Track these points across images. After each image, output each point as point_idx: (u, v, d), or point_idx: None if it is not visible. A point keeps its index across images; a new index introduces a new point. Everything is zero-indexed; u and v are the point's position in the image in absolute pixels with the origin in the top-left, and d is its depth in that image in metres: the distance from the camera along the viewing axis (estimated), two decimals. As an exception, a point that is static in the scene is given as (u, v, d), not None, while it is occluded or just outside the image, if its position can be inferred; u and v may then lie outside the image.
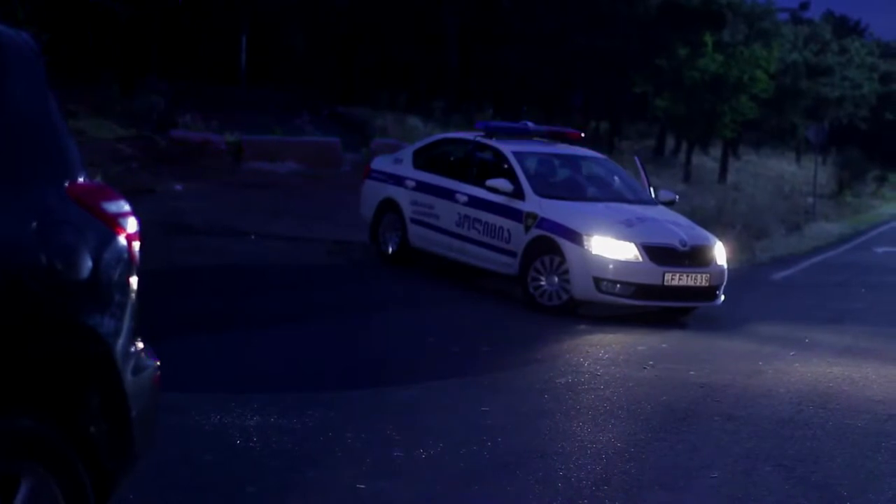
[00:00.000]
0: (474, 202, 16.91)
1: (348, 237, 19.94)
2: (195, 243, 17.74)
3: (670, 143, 60.03)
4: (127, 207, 5.15)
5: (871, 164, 70.96)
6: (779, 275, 24.00)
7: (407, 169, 18.36)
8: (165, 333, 10.50)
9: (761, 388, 11.74)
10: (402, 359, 11.85)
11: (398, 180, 18.31)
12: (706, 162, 57.42)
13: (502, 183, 16.47)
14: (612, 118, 57.78)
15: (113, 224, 4.99)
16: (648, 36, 48.95)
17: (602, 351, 13.33)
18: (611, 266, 15.33)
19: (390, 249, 18.27)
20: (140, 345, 5.18)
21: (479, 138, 17.82)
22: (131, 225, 5.12)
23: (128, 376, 4.93)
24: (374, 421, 8.97)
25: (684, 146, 55.02)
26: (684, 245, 15.66)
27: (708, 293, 15.90)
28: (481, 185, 16.84)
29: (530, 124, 18.65)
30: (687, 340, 14.67)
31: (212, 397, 9.27)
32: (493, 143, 17.55)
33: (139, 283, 5.16)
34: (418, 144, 19.31)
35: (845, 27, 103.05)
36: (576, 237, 15.52)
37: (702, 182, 47.45)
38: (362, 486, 7.26)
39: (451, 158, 18.13)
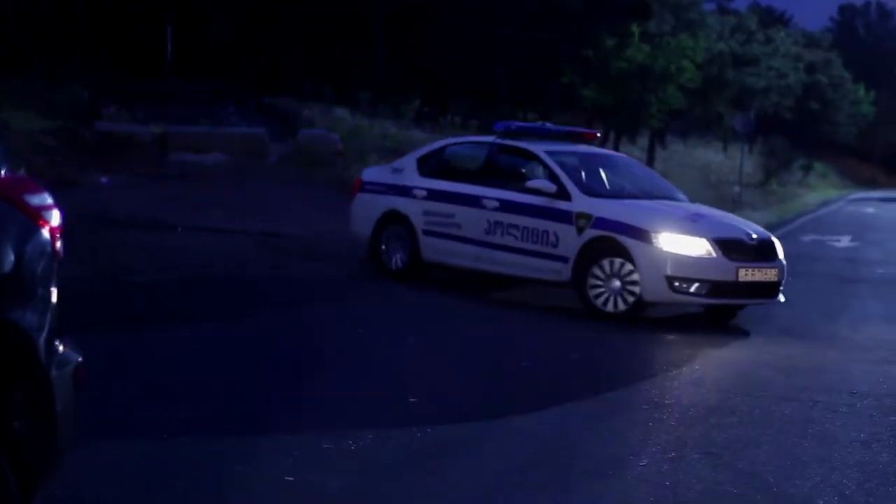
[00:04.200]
0: (507, 207, 16.02)
1: (276, 229, 19.86)
2: (120, 236, 17.60)
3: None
4: (50, 200, 5.09)
5: (797, 154, 71.72)
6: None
7: (412, 178, 17.29)
8: (91, 329, 10.42)
9: (689, 375, 11.81)
10: (331, 350, 11.83)
11: (403, 190, 17.24)
12: (633, 151, 57.62)
13: (545, 184, 15.71)
14: (540, 108, 57.89)
15: (36, 217, 4.94)
16: (575, 27, 49.10)
17: (529, 339, 13.37)
18: (684, 263, 14.68)
19: (397, 265, 17.18)
20: (64, 339, 5.12)
21: (501, 140, 16.95)
22: (54, 218, 5.06)
23: (52, 371, 4.87)
24: (301, 415, 8.94)
25: (612, 136, 55.29)
26: (751, 239, 15.19)
27: (772, 289, 15.35)
28: (514, 188, 16.10)
29: (549, 125, 17.90)
30: (612, 329, 14.71)
31: (137, 393, 9.22)
32: (521, 144, 16.76)
33: (63, 277, 5.11)
34: (421, 151, 18.16)
35: (771, 17, 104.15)
36: (643, 235, 14.79)
37: (629, 172, 47.62)
38: (291, 479, 7.23)
39: (469, 163, 17.19)
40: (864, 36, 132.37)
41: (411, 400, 9.70)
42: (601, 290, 15.00)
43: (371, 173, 18.46)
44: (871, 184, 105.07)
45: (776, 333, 15.08)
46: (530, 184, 15.84)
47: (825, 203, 57.72)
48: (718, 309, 15.56)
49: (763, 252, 15.24)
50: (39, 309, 4.84)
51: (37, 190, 5.06)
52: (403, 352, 12.03)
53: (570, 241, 15.31)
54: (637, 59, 47.76)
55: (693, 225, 15.13)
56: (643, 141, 59.05)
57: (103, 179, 23.58)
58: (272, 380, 10.21)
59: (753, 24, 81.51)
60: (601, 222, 15.10)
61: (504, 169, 16.70)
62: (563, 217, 15.43)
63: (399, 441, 8.29)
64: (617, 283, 14.89)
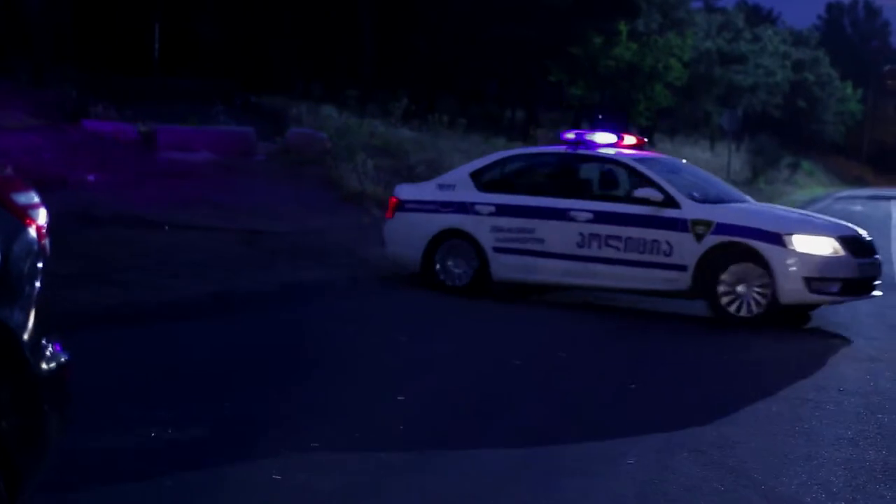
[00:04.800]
0: (603, 218, 15.70)
1: (265, 227, 19.81)
2: (108, 235, 17.56)
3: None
4: (37, 198, 5.08)
5: (785, 152, 71.72)
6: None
7: (469, 194, 16.68)
8: (78, 328, 10.42)
9: (676, 373, 11.82)
10: (322, 349, 11.82)
11: (462, 207, 16.60)
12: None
13: (652, 192, 15.48)
14: (528, 106, 57.89)
15: (23, 215, 4.93)
16: (563, 25, 49.10)
17: (515, 335, 13.37)
18: (821, 264, 14.85)
19: (461, 283, 16.52)
20: (51, 337, 5.11)
21: (578, 150, 16.51)
22: (41, 216, 5.06)
23: (38, 369, 4.86)
24: (290, 414, 8.94)
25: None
26: (860, 235, 15.49)
27: (871, 284, 15.54)
28: (606, 198, 15.99)
29: (609, 131, 17.42)
30: (604, 325, 14.72)
31: (125, 391, 9.22)
32: (605, 153, 16.57)
33: (50, 275, 5.09)
34: (473, 166, 17.44)
35: (758, 15, 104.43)
36: (776, 238, 14.88)
37: (617, 170, 47.64)
38: (279, 478, 7.23)
39: (540, 175, 16.93)
40: (851, 34, 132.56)
41: (399, 398, 9.70)
42: (731, 295, 15.01)
43: (410, 191, 17.62)
44: (859, 182, 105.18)
45: (764, 331, 15.08)
46: (638, 193, 15.64)
47: (813, 201, 57.64)
48: (797, 309, 15.60)
49: (870, 248, 15.56)
50: (26, 307, 4.82)
51: (24, 188, 5.05)
52: (397, 351, 12.01)
53: (686, 248, 15.22)
54: (625, 58, 47.86)
55: (814, 225, 15.45)
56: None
57: (90, 178, 23.51)
58: (261, 379, 10.21)
59: (741, 22, 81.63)
60: (725, 228, 15.10)
61: (587, 179, 16.52)
62: (676, 225, 15.31)
63: (388, 440, 8.29)
64: (745, 288, 14.97)
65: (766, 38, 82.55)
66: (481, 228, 16.40)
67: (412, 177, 26.45)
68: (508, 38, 48.54)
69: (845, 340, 14.70)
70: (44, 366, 4.92)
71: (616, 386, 10.93)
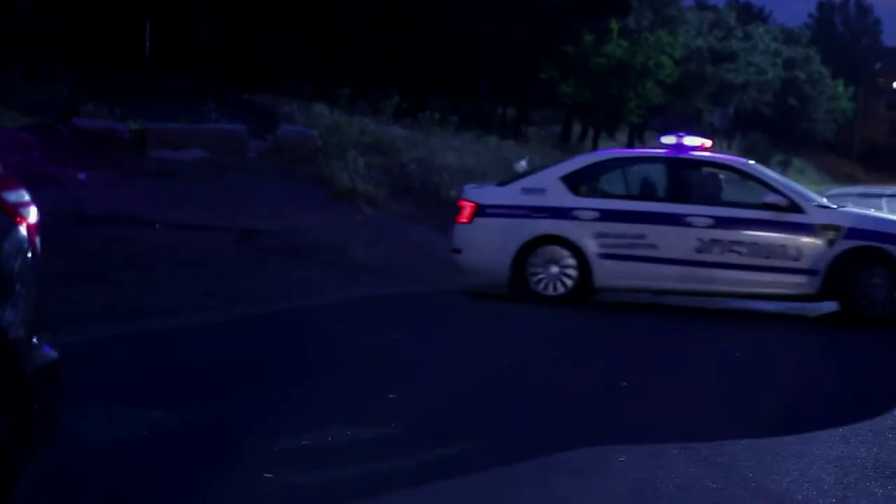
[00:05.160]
0: (725, 223, 15.75)
1: (257, 225, 19.78)
2: (99, 233, 17.54)
3: (577, 129, 60.31)
4: (27, 197, 5.07)
5: (776, 149, 71.91)
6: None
7: (564, 198, 16.19)
8: (69, 327, 10.42)
9: (668, 369, 11.83)
10: (315, 348, 11.81)
11: (558, 212, 16.08)
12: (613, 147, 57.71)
13: (778, 198, 15.68)
14: (519, 104, 57.90)
15: (13, 214, 4.91)
16: (555, 23, 49.11)
17: (513, 335, 13.37)
18: None
19: (559, 291, 16.04)
20: (42, 336, 5.10)
21: (681, 154, 16.49)
22: (32, 214, 5.04)
23: (29, 368, 4.85)
24: (282, 413, 8.93)
25: (591, 132, 55.33)
26: None
27: None
28: (724, 203, 16.07)
29: (691, 134, 17.50)
30: (602, 325, 14.73)
31: (116, 390, 9.22)
32: (716, 158, 16.98)
33: (41, 274, 5.09)
34: (564, 169, 16.84)
35: (749, 13, 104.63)
36: None
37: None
38: (270, 476, 7.22)
39: (646, 180, 16.72)
40: (842, 32, 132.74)
41: (397, 398, 9.69)
42: (865, 298, 15.33)
43: (490, 195, 16.78)
44: (850, 180, 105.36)
45: (756, 328, 15.11)
46: (768, 199, 15.75)
47: (804, 198, 57.87)
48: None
49: None
50: (17, 306, 4.81)
51: (14, 186, 5.03)
52: (396, 350, 12.01)
53: (817, 253, 15.51)
54: (616, 55, 47.86)
55: None
56: (622, 137, 59.10)
57: (82, 176, 23.48)
58: (253, 377, 10.20)
59: (732, 20, 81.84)
60: (856, 233, 15.50)
61: (698, 184, 16.48)
62: (803, 229, 15.57)
63: (385, 440, 8.28)
64: (874, 290, 15.28)
65: (757, 36, 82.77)
66: (584, 234, 16.01)
67: (404, 175, 26.45)
68: (503, 38, 48.55)
69: (834, 336, 14.73)
70: (35, 364, 4.92)
71: (612, 385, 10.92)
